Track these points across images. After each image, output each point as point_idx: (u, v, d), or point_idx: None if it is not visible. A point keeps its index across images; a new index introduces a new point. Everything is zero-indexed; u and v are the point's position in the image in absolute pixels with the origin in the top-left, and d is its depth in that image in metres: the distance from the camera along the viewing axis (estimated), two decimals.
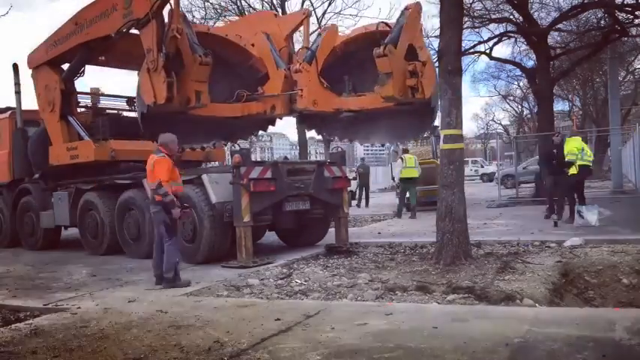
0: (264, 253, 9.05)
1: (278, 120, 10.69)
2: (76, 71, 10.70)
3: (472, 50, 20.05)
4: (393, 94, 8.57)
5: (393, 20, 9.40)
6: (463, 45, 14.68)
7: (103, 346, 4.27)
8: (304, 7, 21.44)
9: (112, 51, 10.45)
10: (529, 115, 45.98)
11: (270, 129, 11.28)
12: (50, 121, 10.91)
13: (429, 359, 3.59)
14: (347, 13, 36.55)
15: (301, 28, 10.45)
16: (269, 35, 9.89)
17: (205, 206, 8.16)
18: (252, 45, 9.91)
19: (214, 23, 20.57)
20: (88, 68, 10.86)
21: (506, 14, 19.22)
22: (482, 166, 40.67)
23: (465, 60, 20.65)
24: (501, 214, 13.88)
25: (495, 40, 20.03)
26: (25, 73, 11.83)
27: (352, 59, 9.86)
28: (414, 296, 5.71)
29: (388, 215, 15.50)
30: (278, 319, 4.71)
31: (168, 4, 8.18)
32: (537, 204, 15.42)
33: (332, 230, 9.87)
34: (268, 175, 8.27)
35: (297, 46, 11.08)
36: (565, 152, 10.80)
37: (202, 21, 20.93)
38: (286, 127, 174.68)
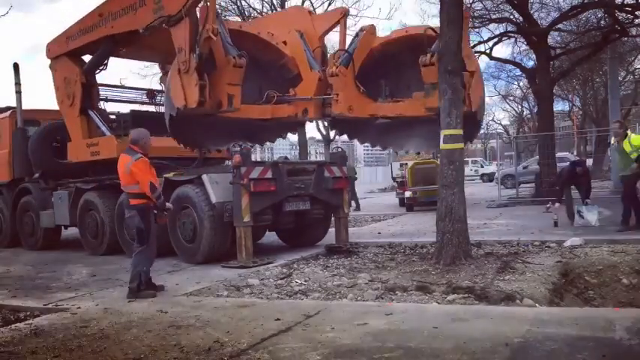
0: (264, 253, 9.05)
1: None
2: (99, 64, 10.33)
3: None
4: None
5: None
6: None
7: (103, 346, 4.27)
8: (304, 6, 21.36)
9: (135, 44, 9.85)
10: (529, 115, 45.93)
11: None
12: (69, 115, 10.53)
13: (429, 359, 3.59)
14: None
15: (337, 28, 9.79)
16: (303, 34, 9.39)
17: (205, 206, 8.16)
18: (284, 43, 9.42)
19: None
20: None
21: (506, 14, 19.21)
22: (482, 166, 40.66)
23: None
24: (501, 214, 13.88)
25: (495, 40, 20.01)
26: (25, 73, 11.85)
27: (390, 62, 9.40)
28: (414, 296, 5.71)
29: (388, 215, 15.51)
30: (278, 319, 4.71)
31: (202, 1, 7.79)
32: (537, 204, 15.42)
33: (332, 230, 9.87)
34: (268, 175, 8.26)
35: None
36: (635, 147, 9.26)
37: None
38: None
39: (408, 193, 16.68)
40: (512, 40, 21.89)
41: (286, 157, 9.22)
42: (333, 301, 5.72)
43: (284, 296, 6.04)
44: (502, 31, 20.28)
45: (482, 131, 66.86)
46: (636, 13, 17.10)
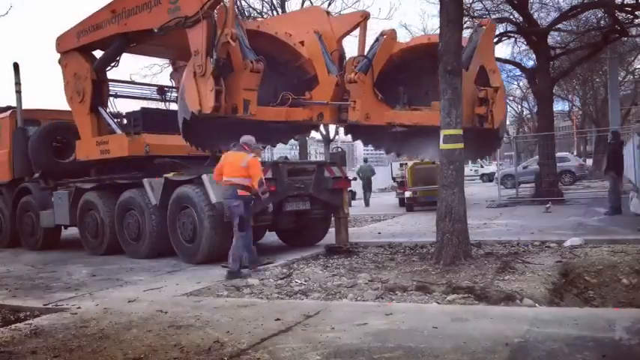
0: (264, 253, 9.05)
1: None
2: (110, 61, 10.09)
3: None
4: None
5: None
6: (463, 45, 14.68)
7: (103, 346, 4.27)
8: (304, 6, 21.35)
9: (148, 41, 9.56)
10: (529, 115, 45.96)
11: None
12: (79, 112, 10.35)
13: (429, 359, 3.59)
14: (350, 13, 36.28)
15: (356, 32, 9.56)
16: (321, 35, 9.13)
17: (205, 206, 8.16)
18: (302, 43, 9.13)
19: None
20: None
21: (506, 14, 19.22)
22: (482, 166, 40.60)
23: None
24: (501, 214, 13.88)
25: (495, 40, 19.99)
26: (25, 73, 11.85)
27: (409, 68, 9.26)
28: (414, 296, 5.71)
29: (388, 215, 15.51)
30: (278, 319, 4.71)
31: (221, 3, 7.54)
32: (537, 204, 15.44)
33: (332, 230, 9.87)
34: (268, 175, 8.26)
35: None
36: None
37: None
38: None
39: (408, 193, 16.69)
40: (512, 40, 21.90)
41: (286, 157, 9.17)
42: (333, 301, 5.72)
43: (284, 296, 6.05)
44: (502, 31, 20.26)
45: None
46: (636, 13, 17.11)
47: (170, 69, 12.40)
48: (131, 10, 8.87)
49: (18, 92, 11.65)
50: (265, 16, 20.49)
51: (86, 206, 10.21)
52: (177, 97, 9.27)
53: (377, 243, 9.63)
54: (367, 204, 20.23)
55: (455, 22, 7.35)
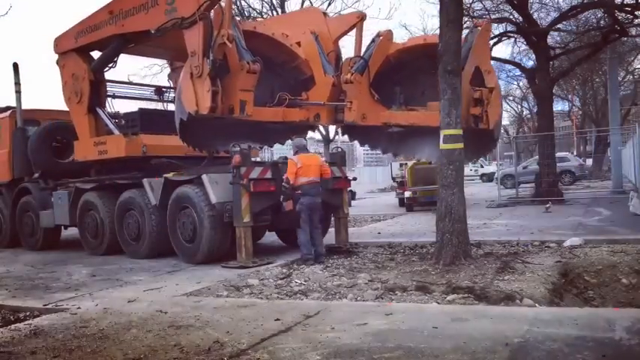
0: (264, 253, 9.05)
1: None
2: (108, 62, 10.12)
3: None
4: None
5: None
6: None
7: (102, 347, 4.27)
8: (304, 6, 21.36)
9: (146, 42, 9.58)
10: (529, 115, 45.97)
11: None
12: (77, 113, 10.38)
13: (429, 359, 3.59)
14: (347, 14, 36.39)
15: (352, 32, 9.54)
16: (317, 36, 9.19)
17: (205, 206, 8.16)
18: (298, 44, 9.15)
19: None
20: None
21: (506, 14, 19.22)
22: (482, 166, 40.63)
23: None
24: (501, 214, 13.89)
25: (495, 40, 19.99)
26: (25, 73, 11.84)
27: (405, 69, 9.28)
28: (414, 296, 5.71)
29: (388, 215, 15.51)
30: (278, 319, 4.71)
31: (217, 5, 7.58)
32: (537, 204, 15.44)
33: (332, 230, 9.87)
34: (268, 175, 8.27)
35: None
36: None
37: None
38: None
39: (407, 193, 16.70)
40: (512, 40, 21.91)
41: (286, 157, 9.20)
42: (333, 301, 5.72)
43: (284, 296, 6.05)
44: (502, 31, 20.29)
45: None
46: (636, 13, 17.11)
47: (169, 69, 12.43)
48: (128, 11, 8.91)
49: (18, 92, 11.65)
50: (265, 16, 20.50)
51: (86, 206, 10.22)
52: (174, 97, 9.28)
53: (377, 243, 9.63)
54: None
55: (455, 22, 7.35)
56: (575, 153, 38.61)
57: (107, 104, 10.67)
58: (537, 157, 20.27)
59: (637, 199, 10.95)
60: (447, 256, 7.05)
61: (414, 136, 9.49)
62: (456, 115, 7.22)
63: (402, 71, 9.33)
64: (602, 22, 19.02)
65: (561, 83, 30.64)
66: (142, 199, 9.14)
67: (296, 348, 3.94)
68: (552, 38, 21.84)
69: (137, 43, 9.69)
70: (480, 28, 8.44)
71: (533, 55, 19.45)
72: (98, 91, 10.25)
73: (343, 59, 9.55)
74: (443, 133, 7.27)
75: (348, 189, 10.66)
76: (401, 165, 19.19)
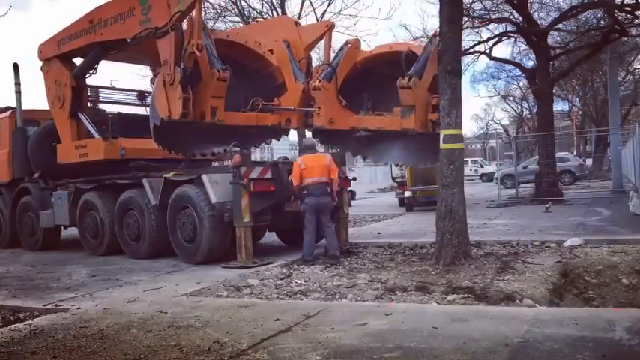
0: (264, 253, 9.05)
1: None
2: (89, 68, 10.49)
3: (472, 50, 20.04)
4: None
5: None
6: (463, 45, 14.70)
7: (102, 347, 4.27)
8: (303, 7, 21.39)
9: (125, 50, 9.99)
10: (529, 115, 46.03)
11: None
12: (59, 117, 10.68)
13: (429, 359, 3.59)
14: (346, 14, 36.50)
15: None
16: (289, 44, 9.56)
17: (205, 206, 8.16)
18: (271, 52, 9.59)
19: (214, 23, 20.52)
20: None
21: (506, 14, 19.23)
22: (481, 166, 40.67)
23: (465, 60, 20.60)
24: (501, 214, 13.89)
25: (495, 40, 20.02)
26: (25, 73, 11.84)
27: (372, 75, 9.56)
28: (414, 296, 5.71)
29: (388, 215, 15.51)
30: (278, 319, 4.71)
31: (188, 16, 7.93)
32: (537, 204, 15.44)
33: None
34: (268, 175, 8.27)
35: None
36: None
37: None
38: None
39: (407, 193, 16.69)
40: (512, 40, 21.94)
41: (286, 158, 9.27)
42: (332, 301, 5.72)
43: (284, 296, 6.05)
44: (502, 31, 20.31)
45: (482, 131, 67.17)
46: (636, 13, 17.10)
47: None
48: (107, 20, 9.31)
49: (18, 92, 11.65)
50: (265, 16, 20.53)
51: (86, 206, 10.21)
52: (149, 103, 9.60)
53: (377, 243, 9.63)
54: None
55: (455, 22, 7.37)
56: (575, 153, 38.62)
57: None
58: (537, 157, 20.27)
59: (637, 199, 10.96)
60: (447, 256, 7.05)
61: (384, 140, 9.75)
62: (456, 115, 7.22)
63: (370, 78, 9.62)
64: (602, 22, 19.02)
65: (561, 83, 30.67)
66: (141, 199, 9.14)
67: (296, 348, 3.94)
68: (552, 38, 21.85)
69: (116, 50, 10.07)
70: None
71: (533, 55, 19.46)
72: (80, 97, 10.61)
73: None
74: (443, 133, 7.28)
75: (348, 189, 10.66)
76: (401, 165, 19.17)
